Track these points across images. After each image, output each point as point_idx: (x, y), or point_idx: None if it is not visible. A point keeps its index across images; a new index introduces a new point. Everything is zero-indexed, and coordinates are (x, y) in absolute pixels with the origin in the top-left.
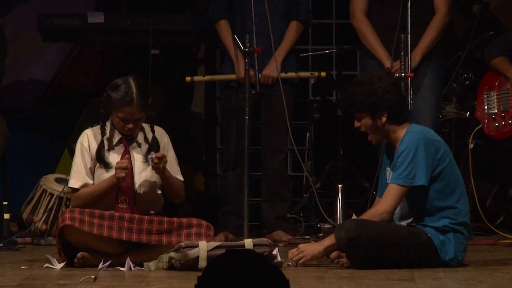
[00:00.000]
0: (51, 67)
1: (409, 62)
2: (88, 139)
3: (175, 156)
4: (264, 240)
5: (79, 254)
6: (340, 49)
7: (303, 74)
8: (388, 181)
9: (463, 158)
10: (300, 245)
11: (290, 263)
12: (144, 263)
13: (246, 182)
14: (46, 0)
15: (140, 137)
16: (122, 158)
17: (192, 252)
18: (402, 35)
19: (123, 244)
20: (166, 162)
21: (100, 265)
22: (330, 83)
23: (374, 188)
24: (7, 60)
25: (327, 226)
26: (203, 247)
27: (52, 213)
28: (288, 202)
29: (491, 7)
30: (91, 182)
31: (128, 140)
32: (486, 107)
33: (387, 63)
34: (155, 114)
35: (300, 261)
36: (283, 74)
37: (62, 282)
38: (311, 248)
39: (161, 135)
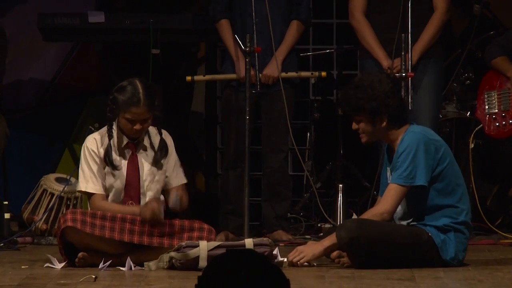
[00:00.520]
0: (52, 66)
1: (410, 61)
2: (96, 144)
3: (177, 158)
4: (264, 239)
5: (80, 254)
6: (341, 48)
7: (303, 73)
8: (388, 181)
9: (464, 157)
10: (298, 247)
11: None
12: (145, 263)
13: (246, 182)
14: None
15: (146, 141)
16: (128, 162)
17: (192, 252)
18: (403, 34)
19: (124, 244)
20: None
21: (101, 265)
22: (330, 83)
23: (374, 187)
24: (8, 60)
25: (327, 225)
26: (204, 246)
27: (53, 213)
28: (289, 202)
29: (491, 7)
30: (103, 188)
31: (135, 144)
32: (486, 107)
33: (385, 63)
34: (162, 116)
35: (301, 261)
36: (283, 74)
37: (62, 281)
38: (311, 248)
39: (166, 138)
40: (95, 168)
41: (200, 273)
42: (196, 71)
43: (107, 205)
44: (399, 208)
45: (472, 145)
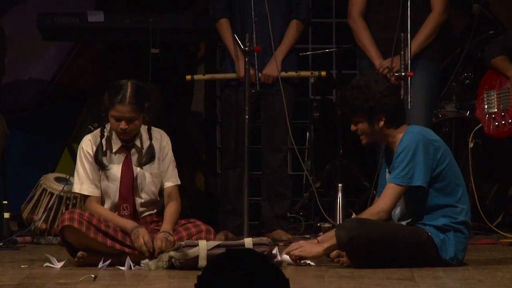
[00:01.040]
0: (51, 66)
1: (409, 61)
2: (91, 145)
3: (173, 159)
4: (264, 239)
5: (79, 254)
6: (340, 48)
7: (303, 73)
8: (387, 182)
9: (463, 157)
10: (300, 242)
11: (284, 257)
12: (144, 262)
13: (246, 181)
14: None
15: (140, 144)
16: (122, 166)
17: (192, 251)
18: (402, 34)
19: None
20: (167, 241)
21: (100, 264)
22: (330, 82)
23: (374, 187)
24: (7, 59)
25: (327, 225)
26: (203, 246)
27: (52, 212)
28: (288, 201)
29: (490, 6)
30: (98, 190)
31: (129, 147)
32: (486, 106)
33: (377, 62)
34: (154, 118)
35: (296, 253)
36: (283, 73)
37: (62, 281)
38: (310, 248)
39: (161, 137)
40: (89, 169)
41: (199, 273)
42: (195, 70)
43: (100, 210)
44: (398, 208)
45: (471, 145)
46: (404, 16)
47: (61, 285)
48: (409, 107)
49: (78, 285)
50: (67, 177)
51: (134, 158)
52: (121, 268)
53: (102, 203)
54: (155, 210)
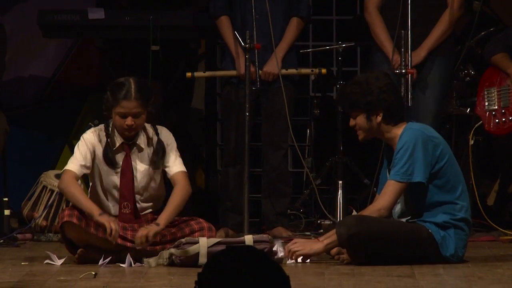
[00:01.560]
0: (51, 63)
1: (410, 58)
2: (94, 137)
3: (176, 149)
4: (264, 236)
5: (79, 251)
6: (341, 45)
7: (303, 70)
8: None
9: (464, 154)
10: (300, 240)
11: (284, 255)
12: (144, 259)
13: (246, 178)
14: None
15: (141, 141)
16: (123, 163)
17: (192, 249)
18: (403, 31)
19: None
20: (150, 235)
21: (101, 261)
22: (330, 80)
23: (374, 184)
24: (7, 57)
25: (327, 222)
26: (204, 243)
27: (53, 210)
28: (288, 198)
29: (491, 3)
30: (81, 171)
31: (130, 145)
32: (486, 104)
33: (395, 57)
34: (157, 114)
35: (297, 253)
36: (283, 71)
37: (62, 278)
38: (311, 245)
39: (165, 134)
40: (83, 152)
41: (200, 270)
42: (196, 68)
43: (72, 185)
44: (398, 205)
45: (472, 142)
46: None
47: (61, 282)
48: (409, 104)
49: (78, 282)
50: None
51: (134, 156)
52: (121, 265)
53: (105, 201)
54: (155, 207)
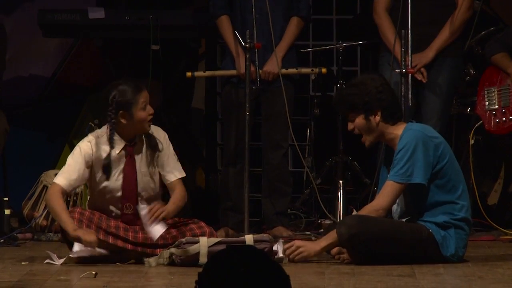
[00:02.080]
0: (52, 63)
1: (410, 58)
2: (92, 148)
3: (174, 152)
4: (264, 236)
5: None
6: (341, 45)
7: (303, 70)
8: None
9: (464, 154)
10: (296, 242)
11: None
12: (145, 259)
13: (246, 178)
14: None
15: (141, 143)
16: (125, 165)
17: (192, 248)
18: (403, 30)
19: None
20: (162, 209)
21: (75, 248)
22: (330, 79)
23: (374, 183)
24: (8, 56)
25: (327, 222)
26: (204, 243)
27: None
28: (288, 198)
29: (491, 3)
30: (69, 185)
31: (131, 146)
32: (486, 103)
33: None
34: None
35: (297, 257)
36: (283, 70)
37: (62, 278)
38: (309, 247)
39: (158, 133)
40: (73, 166)
41: (200, 269)
42: (196, 67)
43: (55, 200)
44: (399, 206)
45: (472, 141)
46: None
47: (61, 281)
48: (409, 104)
49: (78, 282)
50: None
51: (137, 157)
52: (119, 264)
53: (106, 203)
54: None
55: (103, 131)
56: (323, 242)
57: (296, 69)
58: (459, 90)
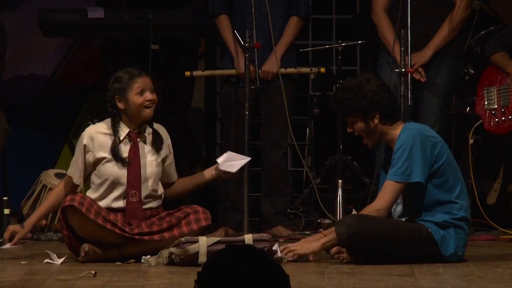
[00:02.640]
0: (51, 62)
1: (409, 57)
2: (91, 137)
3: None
4: (264, 235)
5: (85, 246)
6: (340, 44)
7: (302, 69)
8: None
9: (463, 153)
10: (290, 246)
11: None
12: (144, 258)
13: (246, 177)
14: None
15: (144, 131)
16: (129, 153)
17: (192, 248)
18: (402, 30)
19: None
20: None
21: (53, 258)
22: (330, 79)
23: (374, 183)
24: (7, 56)
25: (327, 221)
26: (203, 242)
27: None
28: (288, 197)
29: (491, 3)
30: (78, 182)
31: (135, 134)
32: (486, 103)
33: (399, 58)
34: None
35: (295, 252)
36: (282, 70)
37: (62, 277)
38: (308, 244)
39: (162, 129)
40: (81, 160)
41: (199, 269)
42: (196, 67)
43: (53, 191)
44: (399, 206)
45: (471, 141)
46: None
47: (61, 281)
48: (409, 103)
49: (78, 281)
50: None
51: (141, 145)
52: (119, 263)
53: (111, 197)
54: (155, 204)
55: (109, 119)
56: (323, 239)
57: (295, 68)
58: (459, 90)
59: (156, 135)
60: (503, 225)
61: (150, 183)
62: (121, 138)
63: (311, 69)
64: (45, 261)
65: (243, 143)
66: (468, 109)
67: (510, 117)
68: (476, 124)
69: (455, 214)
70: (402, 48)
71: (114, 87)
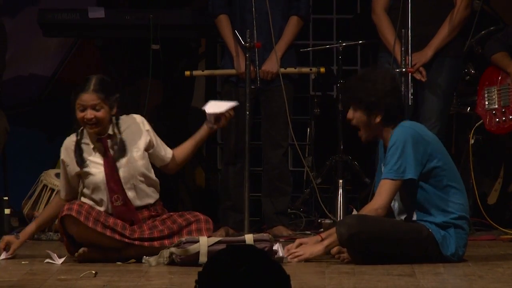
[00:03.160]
0: (52, 62)
1: (410, 57)
2: (67, 151)
3: (154, 133)
4: (264, 235)
5: (80, 250)
6: (341, 44)
7: (302, 69)
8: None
9: (464, 153)
10: (299, 241)
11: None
12: (145, 258)
13: (246, 177)
14: None
15: (114, 133)
16: (104, 157)
17: (192, 248)
18: (403, 30)
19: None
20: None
21: (54, 258)
22: (331, 79)
23: (374, 183)
24: (8, 56)
25: (327, 221)
26: (204, 242)
27: None
28: (289, 197)
29: (491, 2)
30: (66, 192)
31: (104, 139)
32: (486, 103)
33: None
34: (155, 114)
35: (298, 258)
36: (282, 70)
37: (62, 277)
38: (311, 248)
39: (133, 119)
40: (64, 177)
41: (200, 269)
42: (196, 66)
43: (48, 205)
44: (395, 202)
45: (472, 141)
46: (430, 13)
47: (61, 281)
48: (409, 103)
49: (78, 281)
50: None
51: (114, 148)
52: (119, 263)
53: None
54: (152, 200)
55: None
56: (326, 241)
57: (295, 68)
58: (459, 90)
59: (128, 129)
60: (503, 225)
61: (138, 178)
62: (92, 146)
63: (311, 69)
64: (45, 261)
65: (244, 143)
66: (468, 109)
67: (510, 117)
68: (476, 124)
69: (454, 214)
70: (403, 48)
71: (71, 98)
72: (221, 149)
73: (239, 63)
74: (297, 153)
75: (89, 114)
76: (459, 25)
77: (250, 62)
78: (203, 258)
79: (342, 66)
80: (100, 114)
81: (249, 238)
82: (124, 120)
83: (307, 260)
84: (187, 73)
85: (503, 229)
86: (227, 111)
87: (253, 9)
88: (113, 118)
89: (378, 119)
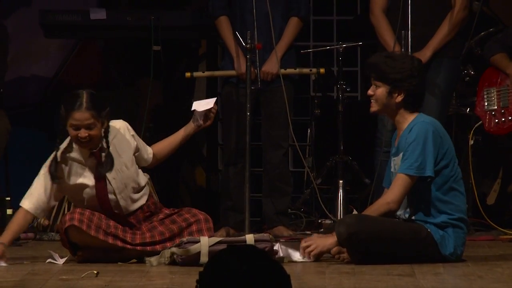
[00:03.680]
0: (53, 63)
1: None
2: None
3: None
4: (265, 235)
5: (79, 252)
6: (341, 45)
7: (302, 70)
8: (392, 170)
9: (463, 154)
10: (314, 237)
11: (301, 257)
12: (146, 258)
13: (247, 178)
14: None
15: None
16: (95, 172)
17: (193, 248)
18: (403, 31)
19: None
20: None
21: (56, 258)
22: (331, 79)
23: (374, 183)
24: (10, 57)
25: (328, 221)
26: (205, 242)
27: (55, 209)
28: (289, 198)
29: (490, 4)
30: (43, 208)
31: (96, 152)
32: (486, 104)
33: None
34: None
35: (313, 253)
36: (282, 71)
37: (64, 277)
38: (324, 241)
39: (118, 129)
40: (38, 188)
41: (201, 269)
42: (197, 67)
43: (14, 218)
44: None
45: (471, 142)
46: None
47: (63, 281)
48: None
49: (80, 281)
50: None
51: (105, 161)
52: (120, 263)
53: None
54: (144, 201)
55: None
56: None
57: (295, 69)
58: (459, 91)
59: (115, 139)
60: (503, 225)
61: (130, 186)
62: (85, 161)
63: (310, 70)
64: (47, 261)
65: (244, 143)
66: (468, 110)
67: (510, 118)
68: (476, 125)
69: (453, 214)
70: (403, 49)
71: (62, 109)
72: (221, 150)
73: (239, 64)
74: (297, 153)
75: (83, 133)
76: (457, 26)
77: (250, 63)
78: (204, 258)
79: (342, 67)
80: (93, 132)
81: (249, 238)
82: (111, 129)
83: (321, 253)
84: (188, 74)
85: (502, 230)
86: (213, 106)
87: (254, 10)
88: (103, 131)
89: (399, 99)
